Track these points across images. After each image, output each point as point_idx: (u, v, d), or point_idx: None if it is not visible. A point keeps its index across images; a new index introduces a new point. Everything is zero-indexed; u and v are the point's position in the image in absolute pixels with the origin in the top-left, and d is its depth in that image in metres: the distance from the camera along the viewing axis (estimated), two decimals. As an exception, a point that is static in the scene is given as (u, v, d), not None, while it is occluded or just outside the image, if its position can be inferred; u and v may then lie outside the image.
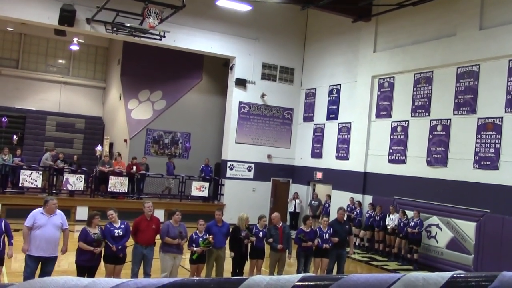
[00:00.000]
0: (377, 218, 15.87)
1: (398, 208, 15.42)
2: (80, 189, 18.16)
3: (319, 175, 19.88)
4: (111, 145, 24.86)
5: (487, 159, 13.29)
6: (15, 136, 21.98)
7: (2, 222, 8.15)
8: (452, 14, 14.85)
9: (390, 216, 15.43)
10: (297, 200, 20.01)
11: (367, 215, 16.38)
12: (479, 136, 13.58)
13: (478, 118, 13.67)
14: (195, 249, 9.51)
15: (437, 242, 14.35)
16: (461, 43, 14.35)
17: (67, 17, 16.73)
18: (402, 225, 14.80)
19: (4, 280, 9.03)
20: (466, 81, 14.17)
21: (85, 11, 17.12)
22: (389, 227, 15.39)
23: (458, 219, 13.86)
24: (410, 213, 14.72)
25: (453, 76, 14.57)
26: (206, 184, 20.03)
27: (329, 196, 18.87)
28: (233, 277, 1.16)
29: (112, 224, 8.84)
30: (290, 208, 20.16)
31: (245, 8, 18.28)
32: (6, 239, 8.08)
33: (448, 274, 1.18)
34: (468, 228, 13.55)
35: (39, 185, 17.57)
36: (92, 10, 16.77)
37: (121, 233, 8.79)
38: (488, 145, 13.33)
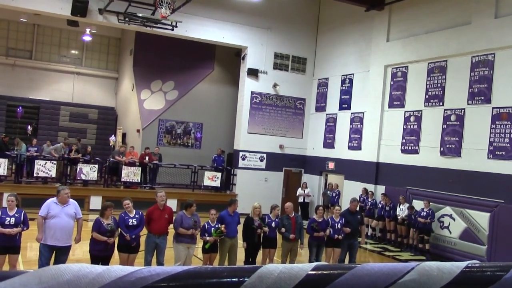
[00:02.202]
0: (387, 208, 15.84)
1: (411, 198, 15.35)
2: (93, 179, 18.34)
3: (331, 165, 19.83)
4: (124, 135, 24.99)
5: (502, 149, 13.15)
6: (29, 127, 22.20)
7: (22, 212, 8.28)
8: (467, 2, 14.63)
9: (401, 206, 15.37)
10: (306, 190, 19.90)
11: (380, 205, 16.32)
12: (493, 126, 13.42)
13: (493, 108, 13.50)
14: (207, 238, 9.58)
15: (450, 233, 14.26)
16: (476, 31, 14.15)
17: (80, 7, 16.79)
18: (413, 216, 14.73)
19: (20, 269, 9.16)
20: (480, 70, 13.98)
21: (97, 1, 17.17)
22: (399, 217, 15.35)
23: (471, 210, 13.75)
24: (421, 204, 14.61)
25: (467, 65, 14.38)
26: (219, 174, 20.08)
27: (337, 186, 18.82)
28: (246, 266, 1.17)
29: (127, 214, 8.95)
30: (300, 199, 19.90)
31: (257, -3, 18.20)
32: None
33: (463, 264, 1.17)
34: (482, 218, 13.44)
35: (53, 175, 17.75)
36: (104, 1, 16.82)
37: (135, 222, 8.88)
38: (503, 135, 13.17)
